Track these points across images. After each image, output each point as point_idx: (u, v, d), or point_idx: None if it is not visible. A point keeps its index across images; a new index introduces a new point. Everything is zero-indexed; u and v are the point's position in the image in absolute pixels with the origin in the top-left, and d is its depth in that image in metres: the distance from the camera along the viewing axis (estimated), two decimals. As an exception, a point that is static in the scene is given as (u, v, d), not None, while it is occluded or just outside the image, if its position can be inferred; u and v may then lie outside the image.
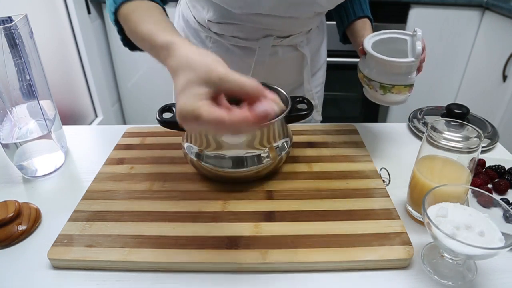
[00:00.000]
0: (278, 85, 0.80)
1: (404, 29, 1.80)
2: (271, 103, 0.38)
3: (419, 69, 0.65)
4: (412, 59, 0.61)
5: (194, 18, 0.79)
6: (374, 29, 0.73)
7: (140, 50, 0.57)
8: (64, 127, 0.75)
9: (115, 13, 0.55)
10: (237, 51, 0.77)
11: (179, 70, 0.41)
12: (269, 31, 0.74)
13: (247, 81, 0.39)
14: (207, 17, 0.75)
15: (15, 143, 0.63)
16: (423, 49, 0.63)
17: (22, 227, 0.53)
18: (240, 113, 0.37)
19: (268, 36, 0.75)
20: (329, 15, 0.84)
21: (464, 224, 0.44)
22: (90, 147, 0.77)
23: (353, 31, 0.76)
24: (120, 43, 0.60)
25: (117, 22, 0.56)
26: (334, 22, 0.83)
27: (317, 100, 0.91)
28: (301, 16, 0.72)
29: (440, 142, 0.50)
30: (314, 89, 0.89)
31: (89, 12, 1.84)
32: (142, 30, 0.49)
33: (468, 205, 0.49)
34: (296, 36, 0.77)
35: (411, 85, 0.64)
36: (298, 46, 0.79)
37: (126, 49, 0.61)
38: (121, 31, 0.57)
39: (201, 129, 0.47)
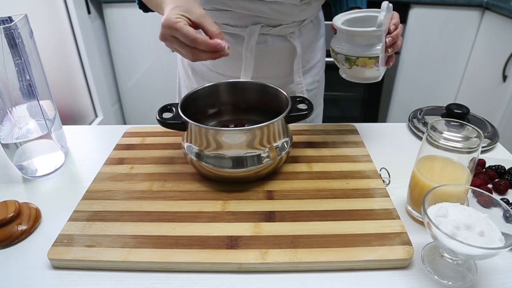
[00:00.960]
0: (269, 75, 0.82)
1: (403, 29, 1.80)
2: (224, 43, 0.54)
3: (394, 46, 0.64)
4: (373, 28, 0.61)
5: None
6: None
7: (152, 10, 0.72)
8: (64, 127, 0.75)
9: None
10: (228, 38, 0.79)
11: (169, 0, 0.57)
12: (257, 19, 0.76)
13: (214, 27, 0.55)
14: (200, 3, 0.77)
15: (15, 143, 0.63)
16: (396, 25, 0.64)
17: (22, 227, 0.53)
18: (205, 37, 0.54)
19: (257, 24, 0.76)
20: (331, 16, 0.84)
21: (464, 224, 0.44)
22: (90, 147, 0.77)
23: None
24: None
25: None
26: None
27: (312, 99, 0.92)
28: (286, 2, 0.73)
29: (440, 142, 0.50)
30: (307, 86, 0.89)
31: (89, 12, 1.84)
32: None
33: (468, 205, 0.49)
34: (286, 27, 0.78)
35: (375, 58, 0.63)
36: (289, 37, 0.79)
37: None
38: None
39: (177, 44, 0.55)
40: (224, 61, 0.82)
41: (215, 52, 0.55)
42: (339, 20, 0.67)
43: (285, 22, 0.77)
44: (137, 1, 0.74)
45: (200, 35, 0.53)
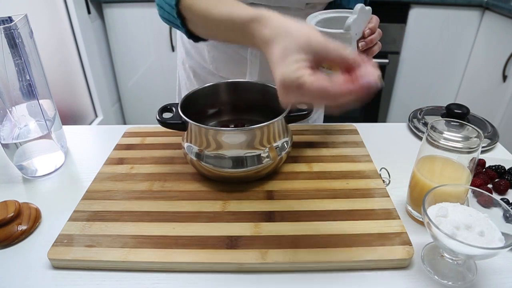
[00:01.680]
0: (273, 80, 0.80)
1: (404, 29, 1.80)
2: (373, 74, 0.38)
3: (368, 52, 0.61)
4: (340, 30, 0.58)
5: None
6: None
7: (204, 40, 0.62)
8: (64, 127, 0.75)
9: (177, 4, 0.56)
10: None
11: (276, 39, 0.41)
12: None
13: (346, 51, 0.39)
14: None
15: (15, 143, 0.63)
16: (372, 29, 0.60)
17: (22, 227, 0.53)
18: (343, 84, 0.38)
19: None
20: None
21: (464, 224, 0.44)
22: (90, 147, 0.77)
23: None
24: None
25: (179, 15, 0.58)
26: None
27: None
28: (291, 6, 0.72)
29: (440, 142, 0.50)
30: None
31: (89, 12, 1.84)
32: (218, 12, 0.50)
33: (468, 205, 0.49)
34: None
35: None
36: None
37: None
38: (183, 23, 0.59)
39: (302, 99, 0.41)
40: (228, 65, 0.81)
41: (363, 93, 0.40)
42: (314, 19, 0.64)
43: None
44: (184, 30, 0.61)
45: (335, 84, 0.38)
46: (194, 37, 0.62)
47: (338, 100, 0.38)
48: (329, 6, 0.81)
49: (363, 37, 0.60)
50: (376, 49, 0.63)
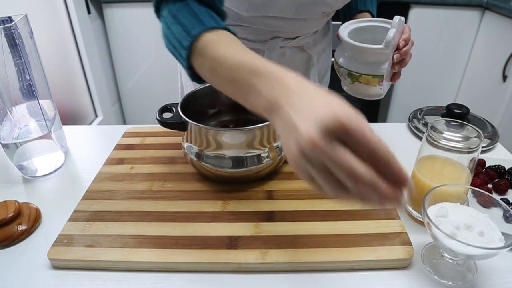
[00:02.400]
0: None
1: (404, 29, 1.80)
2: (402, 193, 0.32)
3: (402, 63, 0.60)
4: (380, 46, 0.56)
5: None
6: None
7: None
8: (64, 127, 0.75)
9: (190, 47, 0.47)
10: None
11: (295, 107, 0.34)
12: (277, 33, 0.74)
13: (378, 143, 0.32)
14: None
15: (15, 143, 0.63)
16: (406, 40, 0.59)
17: (22, 227, 0.53)
18: (374, 177, 0.31)
19: (276, 38, 0.74)
20: (335, 15, 0.84)
21: (464, 224, 0.44)
22: (90, 147, 0.77)
23: None
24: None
25: (188, 57, 0.49)
26: (340, 22, 0.83)
27: None
28: (309, 17, 0.72)
29: (440, 142, 0.50)
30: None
31: (89, 12, 1.84)
32: (234, 58, 0.43)
33: (468, 205, 0.49)
34: (303, 37, 0.77)
35: (380, 76, 0.59)
36: (305, 47, 0.78)
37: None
38: (190, 66, 0.50)
39: (320, 174, 0.34)
40: None
41: (388, 199, 0.33)
42: (346, 29, 0.63)
43: (302, 33, 0.76)
44: (189, 72, 0.51)
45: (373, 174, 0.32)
46: (199, 79, 0.52)
47: (365, 189, 0.31)
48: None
49: (397, 48, 0.59)
50: (408, 59, 0.61)
